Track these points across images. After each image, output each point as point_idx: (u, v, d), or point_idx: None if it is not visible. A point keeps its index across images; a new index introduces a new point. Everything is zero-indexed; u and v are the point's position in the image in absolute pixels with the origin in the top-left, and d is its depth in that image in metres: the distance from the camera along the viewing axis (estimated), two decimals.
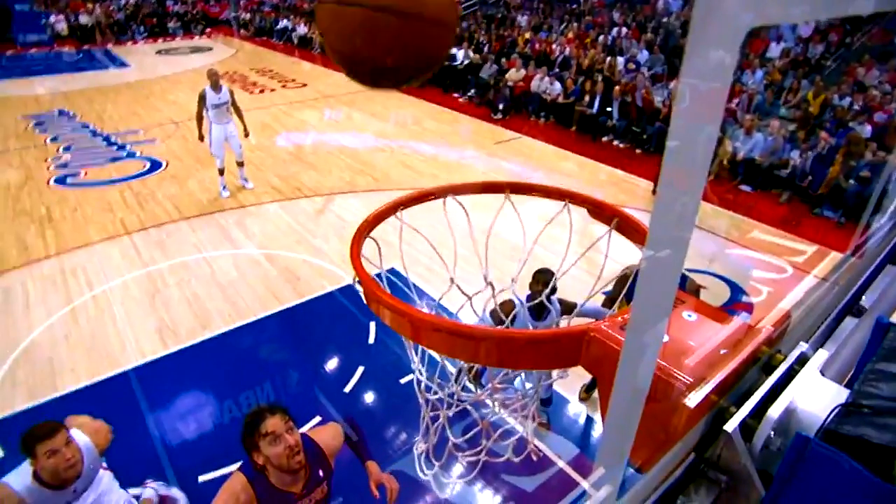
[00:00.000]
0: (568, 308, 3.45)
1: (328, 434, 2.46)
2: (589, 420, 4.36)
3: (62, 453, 2.38)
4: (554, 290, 3.21)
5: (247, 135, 7.91)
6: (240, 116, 7.72)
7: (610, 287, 3.42)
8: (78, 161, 9.31)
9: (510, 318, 3.05)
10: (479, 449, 2.03)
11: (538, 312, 3.42)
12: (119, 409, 4.31)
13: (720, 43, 0.72)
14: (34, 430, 2.38)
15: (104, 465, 2.83)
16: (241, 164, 8.10)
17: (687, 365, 1.17)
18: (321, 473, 2.32)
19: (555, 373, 1.98)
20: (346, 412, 4.30)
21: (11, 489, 2.35)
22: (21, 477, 2.39)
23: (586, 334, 1.25)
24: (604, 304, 3.73)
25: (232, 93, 7.61)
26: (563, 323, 3.44)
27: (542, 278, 3.25)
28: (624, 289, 3.10)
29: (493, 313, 3.08)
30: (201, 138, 7.62)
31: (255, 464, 2.16)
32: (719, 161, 8.79)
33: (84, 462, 2.52)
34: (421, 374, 1.83)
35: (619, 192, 8.47)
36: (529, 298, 3.27)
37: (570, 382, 4.55)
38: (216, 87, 7.38)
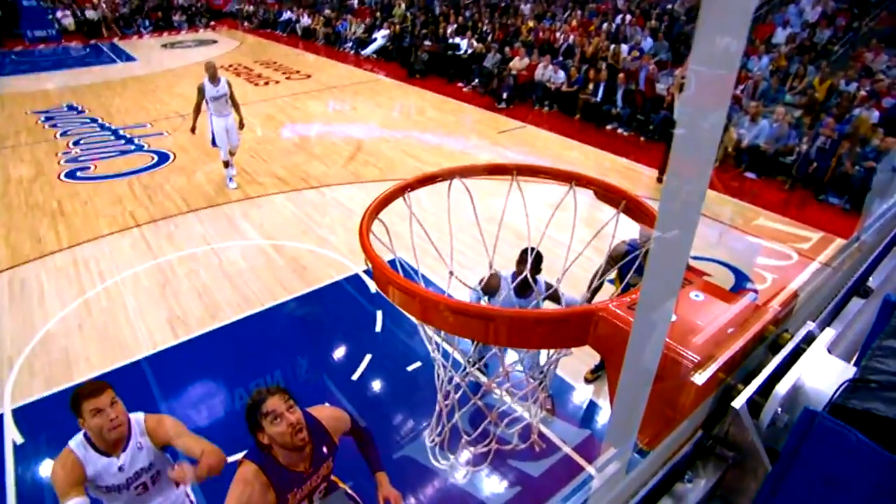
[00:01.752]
0: (553, 295, 3.52)
1: (329, 413, 2.51)
2: (593, 405, 4.39)
3: (106, 413, 2.37)
4: (539, 270, 3.32)
5: (242, 126, 7.94)
6: (236, 109, 7.73)
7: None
8: (87, 155, 9.36)
9: (496, 290, 3.39)
10: (488, 440, 2.06)
11: (522, 290, 3.52)
12: (132, 397, 4.31)
13: (728, 26, 0.73)
14: (81, 388, 2.40)
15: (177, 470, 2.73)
16: (231, 154, 8.13)
17: (694, 343, 1.18)
18: (325, 450, 2.37)
19: (545, 353, 1.99)
20: (354, 400, 4.35)
21: (69, 448, 2.41)
22: (77, 437, 2.44)
23: (595, 314, 1.26)
24: (592, 279, 3.83)
25: (230, 85, 7.63)
26: (545, 305, 3.53)
27: (527, 258, 3.36)
28: (613, 265, 3.19)
29: (483, 285, 3.40)
30: (193, 130, 7.68)
31: (261, 445, 2.22)
32: (724, 148, 8.74)
33: (131, 431, 2.50)
34: (443, 366, 1.85)
35: (624, 181, 8.45)
36: (514, 276, 3.42)
37: (574, 369, 4.58)
38: (214, 80, 7.40)
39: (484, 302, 3.66)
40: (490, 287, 3.53)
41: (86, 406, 2.35)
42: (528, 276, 3.00)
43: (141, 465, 2.52)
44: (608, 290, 3.72)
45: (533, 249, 3.34)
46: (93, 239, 6.65)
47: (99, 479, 2.43)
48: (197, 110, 7.54)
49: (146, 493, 2.60)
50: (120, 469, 2.47)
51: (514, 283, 3.40)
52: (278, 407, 2.15)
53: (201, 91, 7.40)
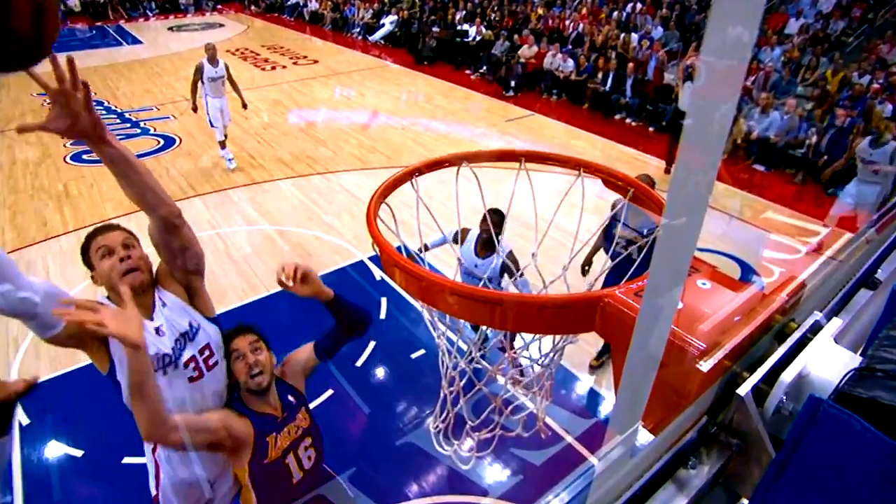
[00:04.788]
0: (513, 266, 3.52)
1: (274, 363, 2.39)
2: (596, 394, 4.40)
3: (117, 253, 1.91)
4: (500, 231, 3.43)
5: (245, 107, 8.08)
6: (237, 91, 7.84)
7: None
8: None
9: (463, 241, 3.74)
10: (492, 426, 2.06)
11: (483, 249, 3.73)
12: None
13: (741, 16, 0.72)
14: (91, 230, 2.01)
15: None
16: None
17: (700, 331, 1.18)
18: (291, 398, 2.33)
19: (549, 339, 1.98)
20: (357, 386, 4.37)
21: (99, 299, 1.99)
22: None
23: (601, 300, 1.26)
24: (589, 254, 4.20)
25: (228, 67, 7.73)
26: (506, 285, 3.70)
27: (492, 218, 3.41)
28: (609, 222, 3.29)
29: (455, 235, 3.68)
30: (195, 109, 7.80)
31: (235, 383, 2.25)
32: (733, 140, 8.67)
33: (155, 282, 2.06)
34: (448, 352, 1.84)
35: (631, 171, 8.23)
36: (479, 236, 3.68)
37: (578, 358, 4.59)
38: (213, 61, 7.51)
39: (456, 248, 3.80)
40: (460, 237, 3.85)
41: (93, 247, 1.93)
42: (490, 236, 3.28)
43: (181, 330, 2.05)
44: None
45: (497, 211, 3.36)
46: (98, 222, 6.66)
47: None
48: (194, 89, 7.67)
49: (201, 379, 2.09)
50: (158, 332, 1.97)
51: (475, 241, 3.67)
52: (242, 347, 2.19)
53: (199, 71, 7.52)
